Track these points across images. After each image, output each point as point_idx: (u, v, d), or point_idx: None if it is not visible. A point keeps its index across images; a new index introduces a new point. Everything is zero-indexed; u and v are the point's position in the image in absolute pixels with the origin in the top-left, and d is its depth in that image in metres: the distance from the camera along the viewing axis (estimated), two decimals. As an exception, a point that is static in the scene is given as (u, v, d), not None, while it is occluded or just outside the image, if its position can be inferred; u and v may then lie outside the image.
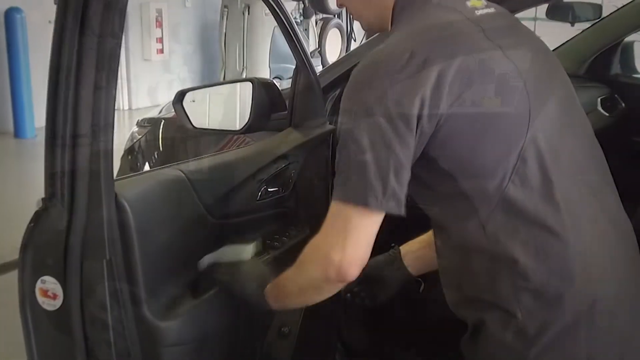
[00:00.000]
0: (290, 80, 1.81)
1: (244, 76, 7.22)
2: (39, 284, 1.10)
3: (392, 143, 1.03)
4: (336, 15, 8.20)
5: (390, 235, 1.29)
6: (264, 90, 1.61)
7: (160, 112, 2.64)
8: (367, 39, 2.61)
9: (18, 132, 6.22)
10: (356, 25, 8.23)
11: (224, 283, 1.33)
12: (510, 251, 1.08)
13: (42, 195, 1.10)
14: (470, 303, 1.17)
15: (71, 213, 1.08)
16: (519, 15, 1.76)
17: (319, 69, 1.91)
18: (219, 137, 2.10)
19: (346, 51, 8.21)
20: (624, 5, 2.84)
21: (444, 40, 1.09)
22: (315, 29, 8.04)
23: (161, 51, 7.80)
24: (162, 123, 2.49)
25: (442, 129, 1.05)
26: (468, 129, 1.07)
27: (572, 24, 2.97)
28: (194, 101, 1.64)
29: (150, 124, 2.53)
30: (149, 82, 7.63)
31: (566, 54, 2.87)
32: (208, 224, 1.37)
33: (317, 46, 8.02)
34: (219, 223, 1.40)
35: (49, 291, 1.10)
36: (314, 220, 1.22)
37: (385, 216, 1.06)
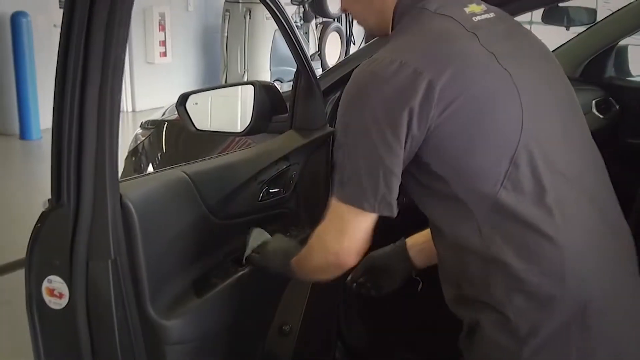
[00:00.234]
0: (291, 83, 1.81)
1: (245, 79, 7.22)
2: (45, 283, 1.12)
3: (381, 153, 1.08)
4: (336, 19, 8.19)
5: (401, 228, 1.34)
6: (265, 93, 1.63)
7: (163, 114, 2.63)
8: (366, 42, 2.63)
9: (24, 134, 6.19)
10: (355, 29, 8.25)
11: (255, 259, 1.41)
12: (503, 254, 1.09)
13: (49, 196, 1.12)
14: (466, 302, 1.18)
15: (77, 214, 1.09)
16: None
17: (319, 72, 1.92)
18: (221, 139, 2.10)
19: (345, 54, 8.20)
20: (618, 10, 2.85)
21: (434, 49, 1.10)
22: (315, 32, 8.03)
23: (164, 54, 7.79)
24: (165, 125, 2.49)
25: (432, 135, 1.08)
26: (459, 135, 1.09)
27: (567, 28, 3.00)
28: (196, 104, 1.66)
29: (153, 126, 2.52)
30: (152, 84, 7.63)
31: (561, 57, 2.85)
32: (211, 224, 1.38)
33: (317, 49, 8.00)
34: (221, 223, 1.41)
35: (55, 290, 1.12)
36: (314, 221, 1.24)
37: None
